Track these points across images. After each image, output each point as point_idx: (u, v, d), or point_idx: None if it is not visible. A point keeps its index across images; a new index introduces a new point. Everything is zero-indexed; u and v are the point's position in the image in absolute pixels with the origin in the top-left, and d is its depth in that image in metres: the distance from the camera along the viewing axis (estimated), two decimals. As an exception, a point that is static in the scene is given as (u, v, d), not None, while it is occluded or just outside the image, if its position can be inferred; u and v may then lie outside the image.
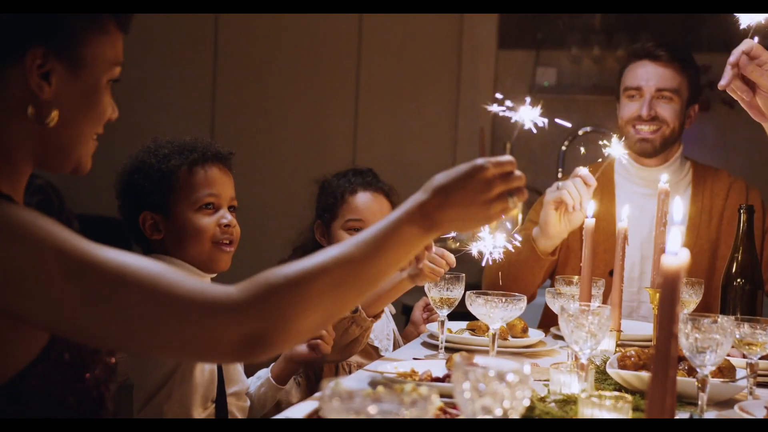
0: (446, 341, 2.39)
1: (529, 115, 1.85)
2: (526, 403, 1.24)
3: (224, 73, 5.69)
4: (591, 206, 2.28)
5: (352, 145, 5.63)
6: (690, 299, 2.44)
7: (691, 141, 5.34)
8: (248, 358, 1.38)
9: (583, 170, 2.65)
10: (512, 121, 1.85)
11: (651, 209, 2.93)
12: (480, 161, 1.51)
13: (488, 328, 2.53)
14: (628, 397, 1.59)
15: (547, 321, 2.91)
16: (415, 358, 2.31)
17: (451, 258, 2.28)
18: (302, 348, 2.26)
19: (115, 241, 1.47)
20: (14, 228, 1.29)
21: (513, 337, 2.51)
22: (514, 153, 4.83)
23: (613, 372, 1.99)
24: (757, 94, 2.27)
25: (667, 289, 1.21)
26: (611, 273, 2.99)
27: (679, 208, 1.60)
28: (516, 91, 5.49)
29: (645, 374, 1.95)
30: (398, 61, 5.59)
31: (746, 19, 2.24)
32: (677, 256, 1.21)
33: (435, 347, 2.47)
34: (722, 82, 2.31)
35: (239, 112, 5.69)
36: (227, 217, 2.24)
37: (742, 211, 2.54)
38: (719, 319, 1.72)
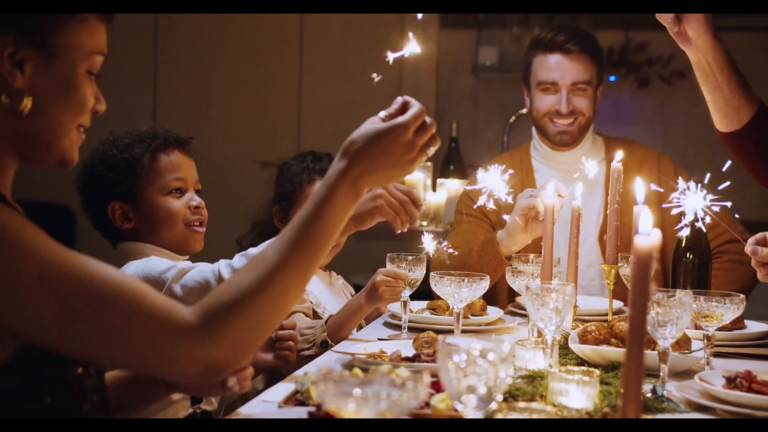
0: (408, 321, 2.43)
1: (413, 48, 1.88)
2: (509, 381, 1.29)
3: (165, 60, 5.66)
4: (551, 187, 2.33)
5: (296, 127, 5.65)
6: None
7: (631, 119, 5.48)
8: (207, 380, 1.49)
9: (554, 180, 2.70)
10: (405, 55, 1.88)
11: (569, 190, 3.02)
12: (400, 121, 1.53)
13: (448, 307, 2.59)
14: (596, 371, 1.66)
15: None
16: (380, 339, 2.35)
17: (403, 273, 2.36)
18: (267, 357, 2.27)
19: (61, 227, 1.47)
20: (17, 237, 1.28)
21: (473, 315, 2.56)
22: (458, 132, 4.89)
23: (576, 347, 2.05)
24: (684, 18, 2.27)
25: (641, 268, 1.26)
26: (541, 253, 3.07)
27: (641, 188, 1.66)
28: (458, 71, 5.55)
29: (607, 348, 2.02)
30: (341, 42, 5.61)
31: None
32: (650, 236, 1.26)
33: (397, 327, 2.52)
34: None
35: (181, 98, 5.67)
36: (196, 199, 2.28)
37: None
38: (677, 294, 1.79)
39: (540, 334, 2.10)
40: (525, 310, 2.72)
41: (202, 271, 2.04)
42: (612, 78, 5.39)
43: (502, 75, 5.46)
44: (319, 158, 2.76)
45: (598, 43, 3.25)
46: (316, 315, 2.62)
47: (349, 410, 1.15)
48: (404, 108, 1.57)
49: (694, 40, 2.26)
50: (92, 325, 1.29)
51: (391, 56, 1.80)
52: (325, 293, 2.68)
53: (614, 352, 1.99)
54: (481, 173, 2.46)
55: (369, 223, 2.05)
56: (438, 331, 2.44)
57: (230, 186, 5.46)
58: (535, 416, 1.44)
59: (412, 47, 1.79)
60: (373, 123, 1.55)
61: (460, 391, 1.27)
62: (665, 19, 2.27)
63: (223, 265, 2.03)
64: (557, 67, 3.14)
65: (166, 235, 2.24)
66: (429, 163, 4.47)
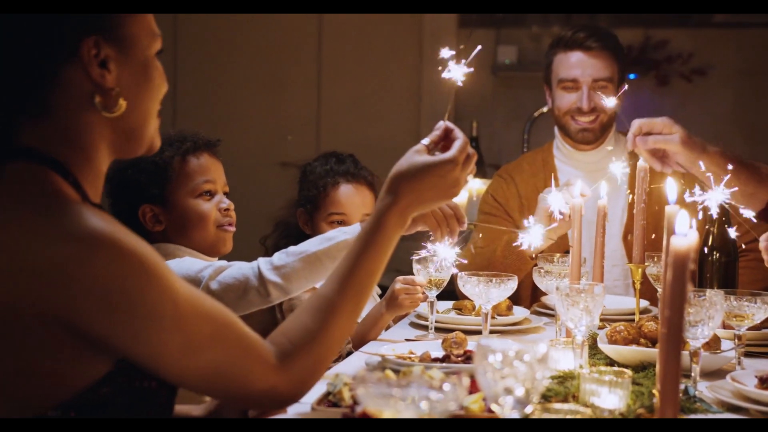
0: (434, 321, 2.44)
1: (459, 72, 1.89)
2: (546, 382, 1.29)
3: (184, 60, 5.67)
4: (578, 185, 2.33)
5: (315, 127, 5.65)
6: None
7: (650, 117, 5.44)
8: (273, 410, 1.60)
9: (577, 180, 2.71)
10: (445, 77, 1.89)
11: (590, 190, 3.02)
12: (449, 157, 1.57)
13: (473, 308, 2.59)
14: (628, 372, 1.65)
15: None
16: (407, 339, 2.35)
17: (421, 280, 2.38)
18: None
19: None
20: (145, 262, 1.29)
21: (498, 315, 2.57)
22: (479, 131, 4.89)
23: (606, 347, 2.05)
24: (672, 156, 2.41)
25: (677, 269, 1.26)
26: (567, 252, 3.07)
27: (673, 188, 1.65)
28: (477, 70, 5.53)
29: (637, 348, 2.01)
30: (359, 41, 5.61)
31: None
32: (687, 237, 1.26)
33: (423, 327, 2.52)
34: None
35: (201, 99, 5.68)
36: (225, 201, 2.30)
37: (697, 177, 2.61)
38: (708, 294, 1.79)
39: (569, 334, 2.11)
40: (551, 309, 2.73)
41: (240, 268, 2.05)
42: (631, 76, 5.37)
43: (521, 74, 5.45)
44: (343, 159, 2.76)
45: (619, 41, 3.25)
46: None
47: (389, 412, 1.15)
48: (446, 135, 1.62)
49: (692, 166, 2.38)
50: (205, 359, 1.34)
51: (446, 74, 1.82)
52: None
53: (645, 353, 1.99)
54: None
55: (411, 229, 2.05)
56: (464, 332, 2.44)
57: (250, 186, 5.46)
58: (569, 417, 1.44)
59: (456, 72, 1.81)
60: (419, 154, 1.59)
61: (497, 393, 1.27)
62: (654, 166, 2.42)
63: (262, 263, 2.03)
64: (578, 65, 3.13)
65: (197, 237, 2.26)
66: (450, 163, 4.46)
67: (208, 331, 1.34)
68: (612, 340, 2.08)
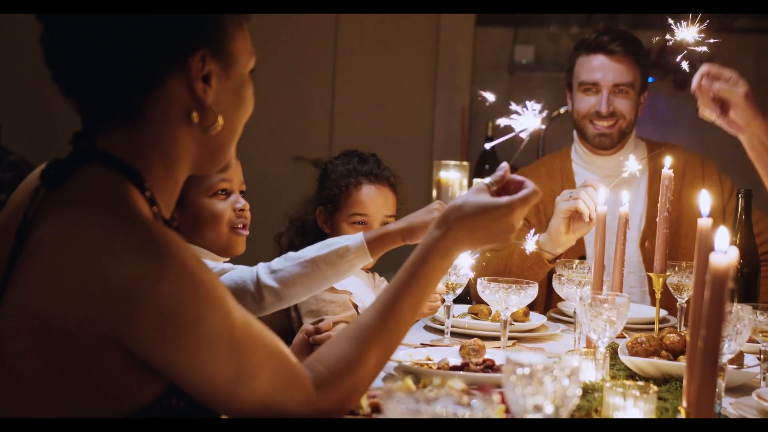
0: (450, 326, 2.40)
1: (530, 122, 1.88)
2: (576, 400, 1.25)
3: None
4: (602, 193, 2.29)
5: (329, 123, 5.61)
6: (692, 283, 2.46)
7: (668, 121, 5.40)
8: None
9: (592, 180, 2.67)
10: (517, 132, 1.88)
11: (610, 196, 2.97)
12: (508, 202, 1.53)
13: (490, 312, 2.55)
14: (653, 387, 1.61)
15: None
16: (423, 344, 2.32)
17: (441, 288, 2.33)
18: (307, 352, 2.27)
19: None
20: (209, 287, 1.25)
21: (515, 321, 2.52)
22: (494, 133, 4.84)
23: (628, 359, 2.01)
24: (732, 108, 2.32)
25: (716, 287, 1.22)
26: (582, 258, 3.03)
27: (707, 200, 1.61)
28: (494, 69, 5.49)
29: (659, 361, 1.97)
30: (375, 37, 5.57)
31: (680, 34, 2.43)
32: (726, 254, 1.22)
33: (437, 331, 2.48)
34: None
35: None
36: (241, 201, 2.26)
37: (740, 195, 2.57)
38: (735, 308, 1.75)
39: (588, 344, 2.07)
40: (567, 316, 2.69)
41: (240, 271, 2.02)
42: (650, 79, 5.31)
43: (538, 74, 5.40)
44: (365, 159, 2.72)
45: (643, 47, 3.20)
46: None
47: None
48: (505, 175, 1.59)
49: (746, 126, 2.32)
50: (252, 388, 1.29)
51: (486, 95, 1.81)
52: (370, 297, 2.65)
53: (668, 366, 1.95)
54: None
55: (420, 238, 2.03)
56: (480, 338, 2.40)
57: (263, 180, 5.43)
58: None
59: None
60: (479, 193, 1.55)
61: (525, 409, 1.23)
62: (712, 115, 2.37)
63: (261, 268, 2.01)
64: (599, 68, 3.10)
65: (210, 237, 2.22)
66: (465, 163, 4.42)
67: (257, 359, 1.30)
68: (633, 352, 2.04)
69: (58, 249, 1.24)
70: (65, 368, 1.23)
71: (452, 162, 4.36)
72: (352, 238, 2.01)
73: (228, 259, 2.28)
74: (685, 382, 1.42)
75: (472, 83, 5.48)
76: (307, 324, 2.27)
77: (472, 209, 1.52)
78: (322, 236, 2.67)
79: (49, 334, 1.23)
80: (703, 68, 2.32)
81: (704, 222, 1.52)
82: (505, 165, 1.60)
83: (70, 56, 1.31)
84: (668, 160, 2.39)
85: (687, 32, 1.88)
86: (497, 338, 2.25)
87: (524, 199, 1.54)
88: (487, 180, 1.57)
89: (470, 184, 4.42)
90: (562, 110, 4.94)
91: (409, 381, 1.63)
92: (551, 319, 2.73)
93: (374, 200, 2.65)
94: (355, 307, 2.57)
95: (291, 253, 2.02)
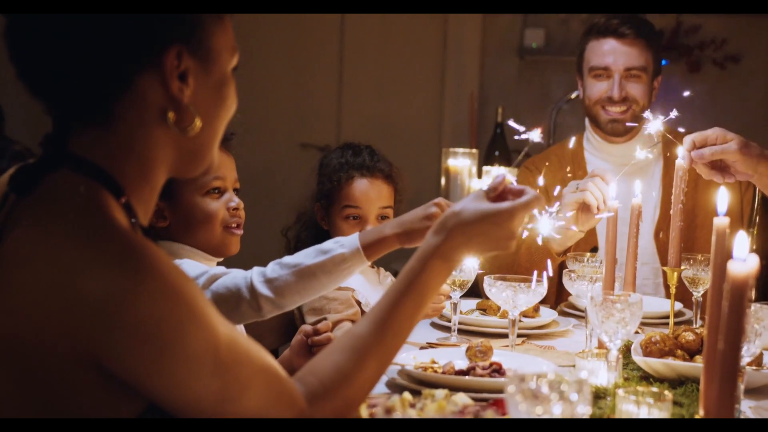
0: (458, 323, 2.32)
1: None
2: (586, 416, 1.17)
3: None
4: (613, 186, 2.20)
5: (336, 110, 5.53)
6: (710, 277, 2.38)
7: (681, 105, 5.29)
8: None
9: (599, 170, 2.59)
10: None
11: (623, 185, 2.89)
12: (508, 207, 1.46)
13: (499, 308, 2.48)
14: (668, 394, 1.53)
15: None
16: (429, 343, 2.24)
17: (445, 288, 2.27)
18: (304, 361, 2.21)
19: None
20: (191, 302, 1.17)
21: (525, 317, 2.45)
22: (504, 116, 4.75)
23: (641, 360, 1.93)
24: (731, 165, 2.29)
25: (735, 297, 1.14)
26: (593, 250, 2.95)
27: (725, 197, 1.53)
28: (503, 53, 5.39)
29: (674, 362, 1.89)
30: (383, 22, 5.48)
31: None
32: (746, 262, 1.14)
33: (445, 328, 2.41)
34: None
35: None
36: (235, 200, 2.18)
37: (758, 187, 2.49)
38: (754, 308, 1.66)
39: (601, 344, 1.99)
40: (579, 309, 2.61)
41: (234, 277, 1.94)
42: (662, 62, 5.21)
43: (548, 57, 5.30)
44: (359, 151, 2.64)
45: (654, 29, 3.11)
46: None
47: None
48: (502, 183, 1.51)
49: (754, 172, 2.27)
50: (238, 407, 1.22)
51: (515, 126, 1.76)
52: (373, 293, 2.58)
53: (684, 368, 1.87)
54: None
55: (418, 242, 1.95)
56: (488, 335, 2.33)
57: (270, 168, 5.37)
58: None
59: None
60: (478, 199, 1.48)
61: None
62: (715, 178, 2.31)
63: (255, 274, 1.93)
64: (610, 52, 3.00)
65: (202, 237, 2.14)
66: (474, 150, 4.35)
67: (244, 376, 1.22)
68: (647, 352, 1.96)
69: (25, 265, 1.16)
70: (32, 389, 1.16)
71: (461, 149, 4.28)
72: (348, 244, 1.93)
73: (221, 259, 2.21)
74: (702, 386, 1.34)
75: (481, 68, 5.38)
76: (306, 325, 2.20)
77: (471, 215, 1.45)
78: (324, 231, 2.61)
79: (16, 352, 1.16)
80: (687, 142, 2.26)
81: (721, 222, 1.44)
82: (502, 174, 1.53)
83: (34, 52, 1.23)
84: (681, 151, 2.31)
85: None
86: (506, 335, 2.17)
87: (525, 204, 1.47)
88: (485, 187, 1.50)
89: (479, 171, 4.34)
90: (573, 95, 4.86)
91: (407, 396, 1.56)
92: (562, 313, 2.65)
93: (367, 193, 2.58)
94: (359, 303, 2.50)
95: (287, 259, 1.95)
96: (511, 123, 1.82)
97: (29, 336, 1.15)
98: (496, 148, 4.63)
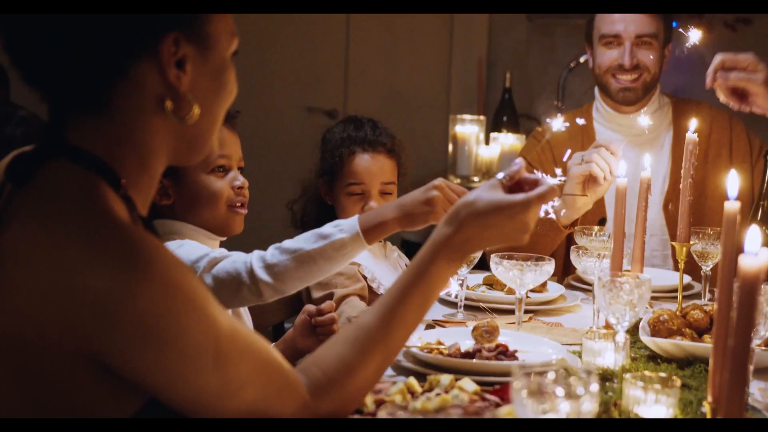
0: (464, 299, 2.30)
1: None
2: (592, 416, 1.15)
3: None
4: (622, 166, 2.17)
5: (343, 74, 5.47)
6: (719, 251, 2.35)
7: (691, 67, 5.23)
8: None
9: (604, 140, 2.56)
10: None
11: (632, 155, 2.88)
12: (522, 199, 1.43)
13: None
14: (677, 381, 1.51)
15: None
16: (435, 320, 2.22)
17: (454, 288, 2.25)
18: (308, 341, 2.22)
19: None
20: (191, 296, 1.16)
21: (532, 292, 2.42)
22: (512, 81, 4.70)
23: (649, 340, 1.91)
24: (752, 96, 2.28)
25: (746, 293, 1.12)
26: (601, 221, 2.92)
27: (735, 182, 1.50)
28: (512, 16, 5.32)
29: (683, 342, 1.87)
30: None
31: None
32: (757, 256, 1.11)
33: (451, 305, 2.39)
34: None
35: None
36: (240, 178, 2.16)
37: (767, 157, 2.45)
38: (765, 288, 1.63)
39: (608, 324, 1.97)
40: (586, 283, 2.59)
41: (234, 261, 1.92)
42: (673, 24, 5.13)
43: (557, 20, 5.21)
44: (361, 125, 2.61)
45: None
46: (371, 290, 2.50)
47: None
48: (519, 171, 1.47)
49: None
50: (240, 401, 1.21)
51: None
52: (380, 267, 2.56)
53: (692, 348, 1.85)
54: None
55: (419, 226, 1.95)
56: (496, 310, 2.31)
57: (277, 132, 5.33)
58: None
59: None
60: (492, 189, 1.44)
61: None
62: (732, 105, 2.31)
63: (255, 258, 1.91)
64: (620, 19, 2.95)
65: (207, 215, 2.13)
66: (482, 117, 4.31)
67: (245, 369, 1.21)
68: (655, 331, 1.94)
69: (25, 265, 1.14)
70: (32, 387, 1.15)
71: (468, 116, 4.24)
72: (347, 228, 1.90)
73: (224, 238, 2.19)
74: (710, 372, 1.32)
75: (489, 30, 5.31)
76: (309, 305, 2.18)
77: (485, 206, 1.41)
78: (329, 206, 2.59)
79: (16, 351, 1.14)
80: (717, 60, 2.20)
81: (731, 208, 1.41)
82: (520, 161, 1.49)
83: (28, 40, 1.20)
84: (693, 123, 2.27)
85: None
86: (513, 311, 2.15)
87: (541, 196, 1.43)
88: (500, 175, 1.46)
89: (487, 138, 4.30)
90: (582, 59, 4.80)
91: (412, 381, 1.54)
92: (569, 286, 2.63)
93: (369, 169, 2.55)
94: (365, 278, 2.48)
95: (286, 243, 1.92)
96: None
97: (29, 335, 1.14)
98: (504, 113, 4.58)
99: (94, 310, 1.11)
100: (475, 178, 4.18)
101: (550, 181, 1.46)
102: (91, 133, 1.24)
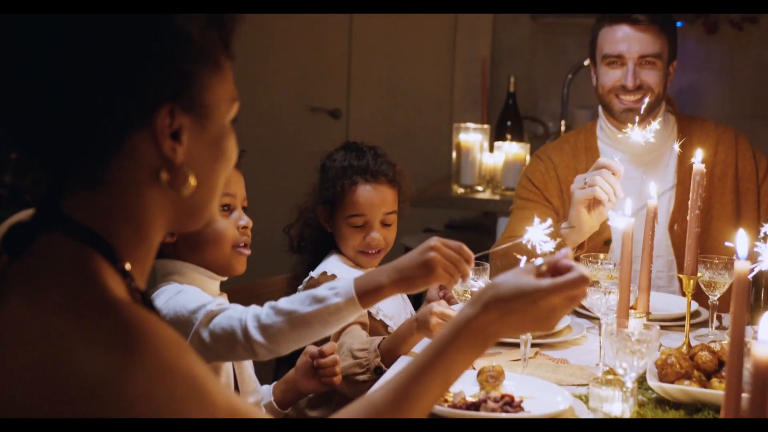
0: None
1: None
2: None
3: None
4: (628, 205, 2.12)
5: (346, 73, 5.43)
6: (727, 280, 2.33)
7: (697, 67, 5.19)
8: None
9: (605, 160, 2.53)
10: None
11: (635, 175, 2.87)
12: (544, 286, 1.35)
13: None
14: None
15: None
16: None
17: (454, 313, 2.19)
18: (311, 383, 2.20)
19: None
20: (188, 379, 1.11)
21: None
22: (517, 85, 4.65)
23: (657, 385, 1.88)
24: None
25: (759, 382, 1.09)
26: (606, 243, 2.88)
27: (744, 241, 1.46)
28: (516, 17, 5.26)
29: (690, 389, 1.85)
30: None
31: None
32: (770, 346, 1.08)
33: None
34: None
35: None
36: (244, 218, 2.13)
37: None
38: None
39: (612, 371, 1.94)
40: (589, 311, 2.55)
41: (230, 317, 1.89)
42: (678, 24, 5.08)
43: (563, 20, 5.16)
44: (362, 154, 2.56)
45: (670, 14, 3.01)
46: (371, 317, 2.47)
47: None
48: (561, 261, 1.39)
49: None
50: None
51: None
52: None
53: (703, 394, 1.82)
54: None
55: (418, 289, 1.90)
56: (501, 343, 2.28)
57: (280, 132, 5.29)
58: None
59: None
60: (523, 274, 1.38)
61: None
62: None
63: (251, 317, 1.87)
64: (623, 39, 2.90)
65: (211, 256, 2.09)
66: (486, 126, 4.27)
67: None
68: (662, 374, 1.91)
69: (16, 345, 1.10)
70: None
71: (472, 125, 4.21)
72: (343, 293, 1.85)
73: (225, 278, 2.16)
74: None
75: (493, 30, 5.26)
76: (311, 346, 2.16)
77: (508, 289, 1.35)
78: (328, 233, 2.57)
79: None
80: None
81: (742, 267, 1.37)
82: (566, 251, 1.40)
83: (15, 110, 1.17)
84: (699, 153, 2.23)
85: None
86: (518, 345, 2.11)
87: (568, 283, 1.35)
88: (539, 261, 1.39)
89: (491, 146, 4.26)
90: (585, 63, 4.75)
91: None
92: (574, 312, 2.59)
93: (371, 200, 2.52)
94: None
95: (282, 303, 1.88)
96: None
97: (19, 414, 1.10)
98: (508, 118, 4.54)
99: (87, 394, 1.07)
100: (479, 187, 4.14)
101: (583, 269, 1.37)
102: (86, 205, 1.21)
